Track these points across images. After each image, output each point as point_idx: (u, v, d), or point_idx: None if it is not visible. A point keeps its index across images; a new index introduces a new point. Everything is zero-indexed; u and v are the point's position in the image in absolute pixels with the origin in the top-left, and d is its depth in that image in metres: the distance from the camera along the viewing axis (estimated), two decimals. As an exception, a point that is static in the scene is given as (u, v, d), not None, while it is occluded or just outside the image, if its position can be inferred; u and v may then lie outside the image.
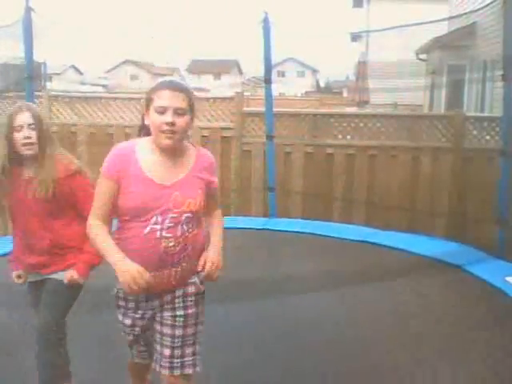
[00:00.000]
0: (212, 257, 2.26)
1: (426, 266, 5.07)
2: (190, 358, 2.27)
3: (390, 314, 4.04)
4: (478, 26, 11.72)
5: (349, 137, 6.86)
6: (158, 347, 2.29)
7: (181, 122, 2.13)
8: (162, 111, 2.11)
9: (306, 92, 35.32)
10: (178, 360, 2.26)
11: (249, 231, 6.00)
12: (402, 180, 6.54)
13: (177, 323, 2.26)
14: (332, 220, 6.55)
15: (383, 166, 6.63)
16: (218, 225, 2.42)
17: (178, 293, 2.26)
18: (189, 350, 2.27)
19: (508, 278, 4.62)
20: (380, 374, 3.24)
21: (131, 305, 2.29)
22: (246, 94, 10.97)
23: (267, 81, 6.56)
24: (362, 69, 21.78)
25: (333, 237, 5.84)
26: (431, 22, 7.57)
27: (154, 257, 2.15)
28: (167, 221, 2.14)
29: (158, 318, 2.29)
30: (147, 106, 2.16)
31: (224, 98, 7.21)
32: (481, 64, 11.56)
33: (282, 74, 46.55)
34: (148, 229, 2.13)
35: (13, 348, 3.35)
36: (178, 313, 2.26)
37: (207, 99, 7.25)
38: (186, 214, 2.16)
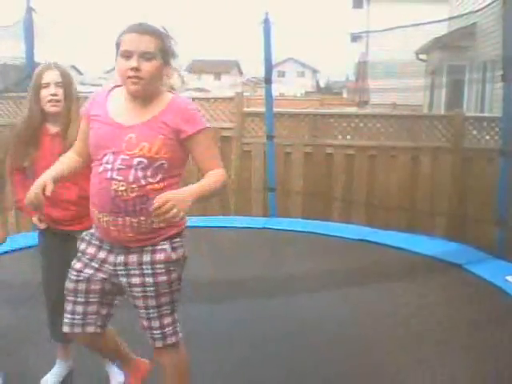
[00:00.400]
0: (173, 194, 1.95)
1: (427, 266, 5.07)
2: (171, 328, 2.21)
3: (391, 313, 4.05)
4: (478, 27, 11.74)
5: (349, 137, 6.87)
6: (140, 320, 2.25)
7: (147, 66, 2.03)
8: (128, 55, 2.02)
9: (306, 92, 35.32)
10: (159, 331, 2.19)
11: (249, 231, 6.01)
12: (401, 180, 6.55)
13: (148, 293, 2.16)
14: (332, 220, 6.55)
15: (383, 166, 6.63)
16: (210, 175, 2.13)
17: (146, 258, 2.15)
18: (168, 320, 2.20)
19: (508, 278, 4.62)
20: (382, 374, 3.23)
21: (90, 250, 2.23)
22: (246, 94, 10.96)
23: (267, 81, 6.57)
24: (361, 69, 21.79)
25: (333, 236, 5.84)
26: (431, 22, 7.56)
27: (106, 198, 2.09)
28: (118, 162, 2.06)
29: (127, 291, 2.21)
30: (117, 52, 2.08)
31: (224, 98, 7.21)
32: (481, 64, 11.57)
33: (282, 74, 46.47)
34: (101, 168, 2.10)
35: (13, 348, 3.35)
36: (147, 279, 2.15)
37: (207, 99, 7.27)
38: (137, 159, 2.05)
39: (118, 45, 2.07)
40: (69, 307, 2.24)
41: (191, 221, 6.21)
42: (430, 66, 15.03)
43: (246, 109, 7.37)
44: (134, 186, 2.06)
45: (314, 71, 54.57)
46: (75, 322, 2.23)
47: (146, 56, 2.02)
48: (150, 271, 2.15)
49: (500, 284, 4.52)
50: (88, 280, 2.21)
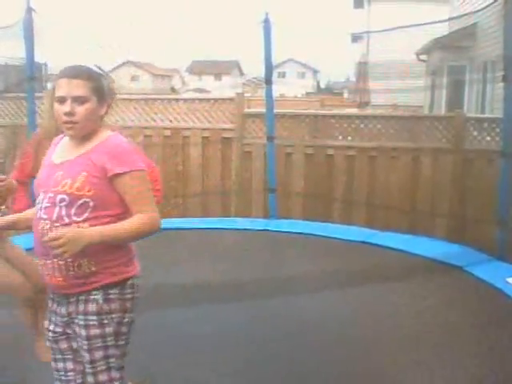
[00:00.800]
0: (73, 233, 1.91)
1: (427, 268, 5.06)
2: None
3: (391, 315, 4.04)
4: (479, 27, 11.73)
5: (349, 138, 6.86)
6: None
7: (81, 110, 2.02)
8: (62, 101, 2.03)
9: (307, 93, 35.30)
10: None
11: (249, 232, 6.00)
12: (402, 181, 6.54)
13: (83, 346, 2.07)
14: (332, 221, 6.54)
15: (383, 167, 6.63)
16: (133, 219, 2.04)
17: (80, 308, 2.06)
18: (103, 377, 2.07)
19: (509, 279, 4.61)
20: (381, 375, 3.23)
21: (49, 303, 2.20)
22: (246, 94, 10.96)
23: (268, 82, 6.56)
24: (362, 70, 21.79)
25: (334, 238, 5.84)
26: (432, 22, 7.57)
27: (37, 240, 2.06)
28: (46, 200, 2.04)
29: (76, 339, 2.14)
30: (53, 96, 2.07)
31: (224, 99, 7.21)
32: (481, 65, 11.57)
33: (282, 75, 46.50)
34: (36, 208, 2.09)
35: (11, 349, 3.35)
36: (81, 332, 2.07)
37: (208, 100, 7.28)
38: (60, 196, 2.00)
39: (53, 89, 2.08)
40: (52, 364, 2.22)
41: (192, 222, 6.22)
42: (431, 67, 15.03)
43: (246, 110, 7.38)
44: (57, 224, 2.00)
45: (315, 72, 54.58)
46: (61, 378, 2.19)
47: (79, 100, 2.02)
48: (82, 322, 2.06)
49: (501, 286, 4.51)
50: (56, 339, 2.17)
